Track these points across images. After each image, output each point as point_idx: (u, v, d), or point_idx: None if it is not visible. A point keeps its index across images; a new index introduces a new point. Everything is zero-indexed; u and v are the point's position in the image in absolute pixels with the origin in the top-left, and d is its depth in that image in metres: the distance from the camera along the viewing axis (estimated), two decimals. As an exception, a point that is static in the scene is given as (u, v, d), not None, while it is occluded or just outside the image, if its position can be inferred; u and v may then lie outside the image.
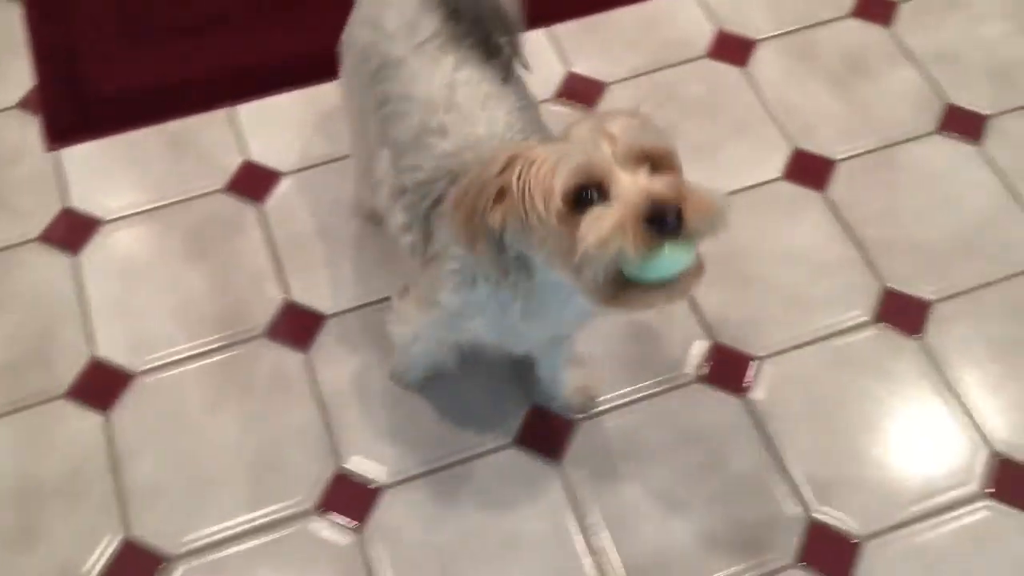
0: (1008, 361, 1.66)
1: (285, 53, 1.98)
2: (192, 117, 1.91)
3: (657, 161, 1.04)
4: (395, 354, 1.59)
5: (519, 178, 1.04)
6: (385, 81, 1.36)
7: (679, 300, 1.08)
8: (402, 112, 1.33)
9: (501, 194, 1.07)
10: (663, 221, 0.97)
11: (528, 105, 1.38)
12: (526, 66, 1.40)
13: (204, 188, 1.83)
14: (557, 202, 1.01)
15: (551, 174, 1.02)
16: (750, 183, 1.86)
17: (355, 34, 1.44)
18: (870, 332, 1.69)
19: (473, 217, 1.09)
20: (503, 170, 1.06)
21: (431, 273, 1.30)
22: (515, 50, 1.37)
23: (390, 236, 1.40)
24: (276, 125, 1.91)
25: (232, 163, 1.86)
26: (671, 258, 0.99)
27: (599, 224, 0.99)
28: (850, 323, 1.70)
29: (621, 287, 1.02)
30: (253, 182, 1.84)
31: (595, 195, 1.01)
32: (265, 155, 1.87)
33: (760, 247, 1.77)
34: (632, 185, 1.00)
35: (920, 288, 1.73)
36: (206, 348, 1.65)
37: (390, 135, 1.35)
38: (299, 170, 1.85)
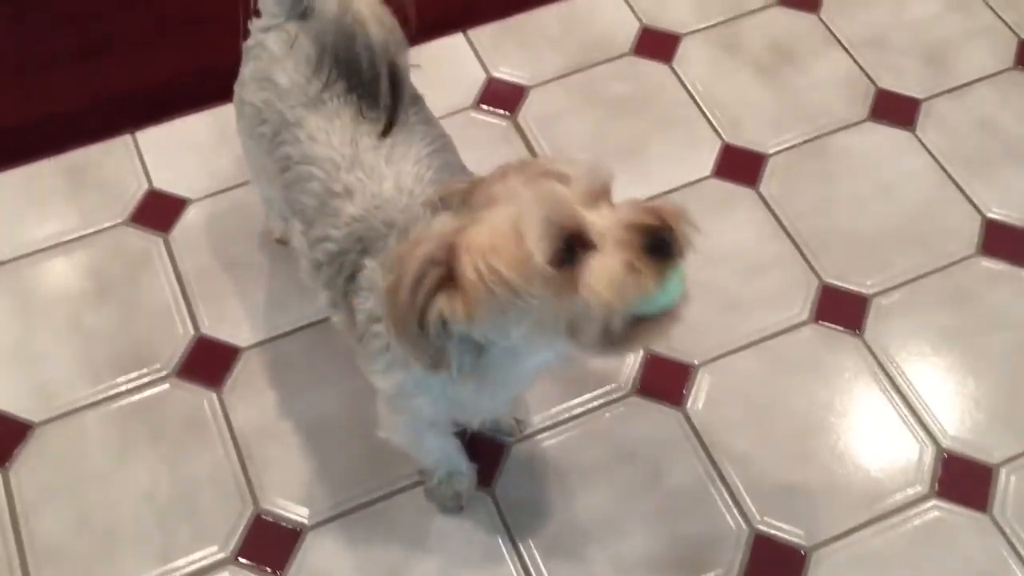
0: (950, 353, 1.61)
1: (185, 73, 1.89)
2: (91, 146, 1.81)
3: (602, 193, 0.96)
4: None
5: (472, 260, 0.93)
6: (284, 144, 1.26)
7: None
8: (305, 176, 1.22)
9: (444, 283, 0.96)
10: (663, 245, 0.92)
11: (440, 148, 1.26)
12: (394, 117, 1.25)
13: (106, 221, 1.73)
14: (542, 266, 0.91)
15: (516, 241, 0.91)
16: (680, 182, 1.79)
17: (247, 92, 1.33)
18: (809, 331, 1.63)
19: (410, 314, 0.97)
20: (440, 259, 0.95)
21: (362, 354, 1.19)
22: (395, 98, 1.24)
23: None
24: (180, 149, 1.81)
25: (135, 193, 1.76)
26: (674, 280, 0.94)
27: (607, 272, 0.91)
28: (788, 323, 1.63)
29: (633, 327, 0.95)
30: (158, 212, 1.74)
31: (573, 247, 0.92)
32: (170, 182, 1.78)
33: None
34: (613, 222, 0.93)
35: (858, 282, 1.67)
36: (112, 392, 1.56)
37: (297, 203, 1.24)
38: (206, 196, 1.76)
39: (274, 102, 1.29)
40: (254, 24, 1.35)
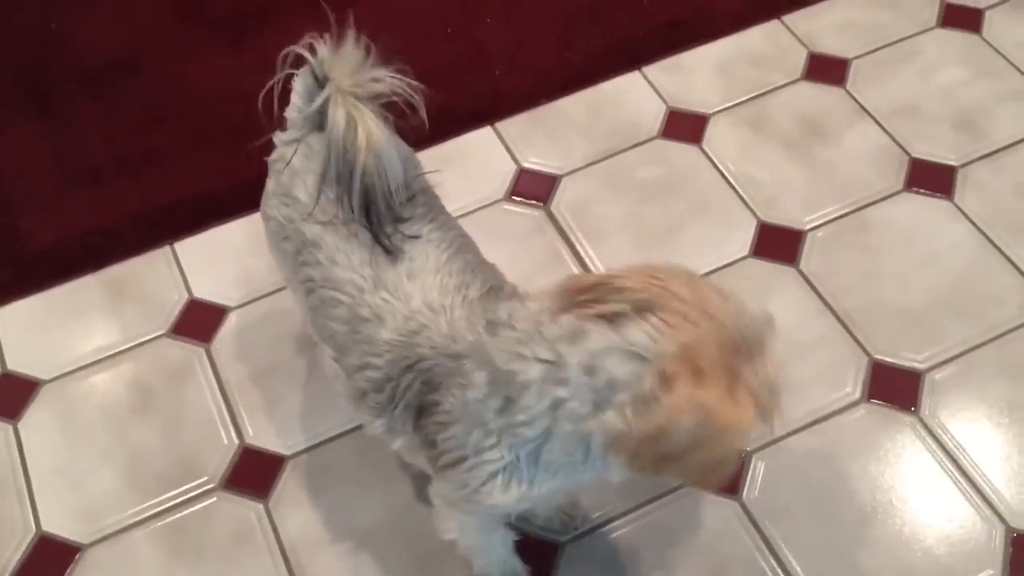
0: (1011, 426, 1.56)
1: (220, 184, 1.91)
2: (131, 260, 1.83)
3: None
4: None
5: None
6: (307, 266, 1.26)
7: None
8: (329, 301, 1.22)
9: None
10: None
11: (458, 249, 1.25)
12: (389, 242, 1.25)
13: (147, 334, 1.74)
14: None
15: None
16: (718, 264, 1.77)
17: (271, 207, 1.34)
18: (862, 410, 1.59)
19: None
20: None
21: (459, 479, 1.14)
22: (370, 220, 1.23)
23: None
24: (218, 258, 1.82)
25: (175, 304, 1.77)
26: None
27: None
28: (840, 403, 1.60)
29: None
30: (198, 322, 1.75)
31: None
32: (209, 291, 1.79)
33: (736, 332, 1.68)
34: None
35: (909, 357, 1.64)
36: (159, 508, 1.54)
37: (326, 329, 1.24)
38: (244, 303, 1.76)
39: (295, 219, 1.28)
40: (279, 137, 1.37)
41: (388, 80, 1.23)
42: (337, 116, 1.20)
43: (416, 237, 1.24)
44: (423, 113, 1.25)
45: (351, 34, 1.24)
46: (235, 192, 1.89)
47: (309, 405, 1.64)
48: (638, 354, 0.96)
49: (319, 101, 1.25)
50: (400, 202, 1.25)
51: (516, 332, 1.06)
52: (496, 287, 1.23)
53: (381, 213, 1.23)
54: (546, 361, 1.01)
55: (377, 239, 1.23)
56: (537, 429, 1.05)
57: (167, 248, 1.84)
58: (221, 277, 1.80)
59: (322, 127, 1.29)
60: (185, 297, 1.78)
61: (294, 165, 1.31)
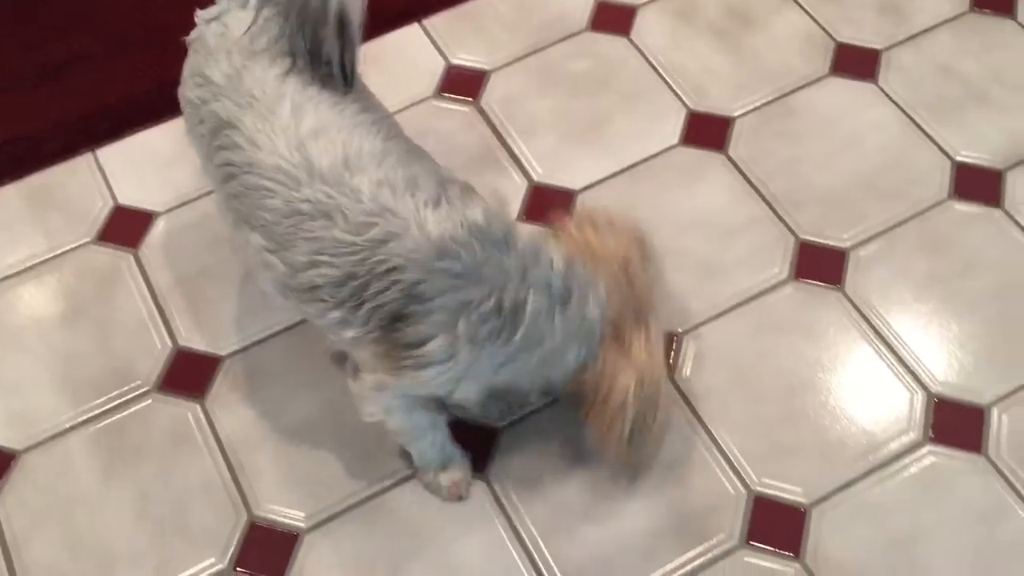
0: (932, 298, 1.60)
1: (142, 90, 1.86)
2: (52, 168, 1.78)
3: None
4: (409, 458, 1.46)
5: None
6: (225, 149, 1.21)
7: None
8: (255, 187, 1.18)
9: None
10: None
11: (391, 132, 1.24)
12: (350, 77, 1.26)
13: (73, 242, 1.70)
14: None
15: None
16: (648, 153, 1.78)
17: (187, 89, 1.30)
18: (790, 289, 1.62)
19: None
20: None
21: (413, 376, 1.19)
22: (348, 54, 1.23)
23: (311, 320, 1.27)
24: (144, 164, 1.79)
25: (101, 211, 1.74)
26: None
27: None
28: (768, 283, 1.63)
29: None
30: (125, 228, 1.71)
31: None
32: (135, 197, 1.75)
33: (666, 218, 1.69)
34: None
35: (835, 236, 1.67)
36: (93, 412, 1.53)
37: (253, 218, 1.20)
38: (172, 208, 1.74)
39: (208, 99, 1.25)
40: (200, 15, 1.33)
41: None
42: None
43: (345, 109, 1.22)
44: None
45: None
46: (158, 96, 1.81)
47: (242, 307, 1.63)
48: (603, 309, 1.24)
49: None
50: (346, 25, 1.21)
51: (513, 259, 1.16)
52: (446, 181, 1.21)
53: (338, 48, 1.21)
54: (553, 293, 1.18)
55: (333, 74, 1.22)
56: (525, 347, 1.18)
57: (89, 155, 1.80)
58: (147, 183, 1.77)
59: (245, 3, 1.27)
60: (110, 204, 1.75)
61: (208, 44, 1.27)
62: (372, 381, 1.26)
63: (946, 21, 1.92)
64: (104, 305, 1.64)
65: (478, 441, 1.49)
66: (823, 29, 1.92)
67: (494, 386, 1.28)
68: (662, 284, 1.35)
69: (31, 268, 1.68)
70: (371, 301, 1.15)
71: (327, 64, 1.23)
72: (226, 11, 1.30)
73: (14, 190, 1.77)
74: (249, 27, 1.24)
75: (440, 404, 1.35)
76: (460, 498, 1.45)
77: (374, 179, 1.16)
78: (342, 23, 1.20)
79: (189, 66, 1.31)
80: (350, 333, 1.20)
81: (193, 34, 1.33)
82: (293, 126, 1.19)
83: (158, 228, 1.72)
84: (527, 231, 1.22)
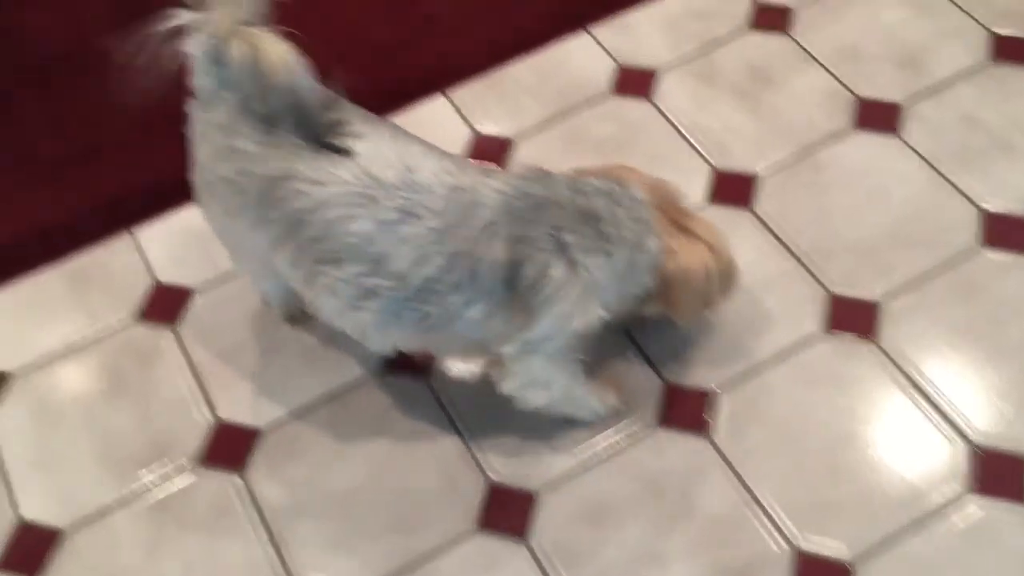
0: (967, 348, 1.60)
1: (176, 167, 1.90)
2: (93, 248, 1.83)
3: None
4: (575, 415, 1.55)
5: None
6: (285, 200, 1.27)
7: None
8: (338, 220, 1.25)
9: None
10: None
11: (412, 138, 1.38)
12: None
13: (114, 320, 1.74)
14: None
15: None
16: (675, 213, 1.80)
17: (213, 172, 1.35)
18: (823, 343, 1.62)
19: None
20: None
21: (557, 310, 1.31)
22: (337, 122, 1.30)
23: (425, 328, 1.35)
24: (180, 241, 1.83)
25: (140, 288, 1.78)
26: None
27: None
28: (801, 338, 1.63)
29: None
30: (164, 305, 1.75)
31: None
32: (174, 274, 1.79)
33: (696, 277, 1.71)
34: None
35: (866, 289, 1.67)
36: (137, 489, 1.55)
37: (339, 250, 1.27)
38: (210, 284, 1.77)
39: (250, 168, 1.29)
40: (192, 107, 1.38)
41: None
42: (236, 50, 1.23)
43: (361, 136, 1.30)
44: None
45: None
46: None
47: (280, 378, 1.65)
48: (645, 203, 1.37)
49: (209, 45, 1.27)
50: (329, 105, 1.29)
51: (563, 181, 1.35)
52: (490, 167, 1.42)
53: (318, 121, 1.27)
54: (608, 194, 1.34)
55: (326, 146, 1.28)
56: (618, 244, 1.32)
57: (127, 235, 1.85)
58: (185, 259, 1.81)
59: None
60: (150, 281, 1.79)
61: (221, 121, 1.31)
62: (515, 348, 1.35)
63: (965, 72, 1.94)
64: (145, 382, 1.66)
65: (518, 506, 1.49)
66: (843, 85, 1.95)
67: (612, 303, 1.36)
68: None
69: (74, 348, 1.72)
70: (482, 267, 1.28)
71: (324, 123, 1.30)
72: (215, 96, 1.33)
73: (56, 273, 1.81)
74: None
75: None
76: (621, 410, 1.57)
77: (434, 170, 1.29)
78: (320, 103, 1.27)
79: (207, 152, 1.35)
80: (478, 309, 1.30)
81: (197, 126, 1.37)
82: (349, 158, 1.27)
83: (196, 304, 1.75)
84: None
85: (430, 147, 1.36)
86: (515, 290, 1.30)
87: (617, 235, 1.32)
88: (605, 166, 1.45)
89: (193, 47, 1.31)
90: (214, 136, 1.33)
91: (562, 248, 1.30)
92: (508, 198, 1.30)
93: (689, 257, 1.39)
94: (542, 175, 1.36)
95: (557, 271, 1.29)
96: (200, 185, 1.40)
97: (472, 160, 1.41)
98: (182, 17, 1.28)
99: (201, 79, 1.34)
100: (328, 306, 1.34)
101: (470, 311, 1.31)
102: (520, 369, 1.39)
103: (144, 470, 1.57)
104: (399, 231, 1.26)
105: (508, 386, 1.43)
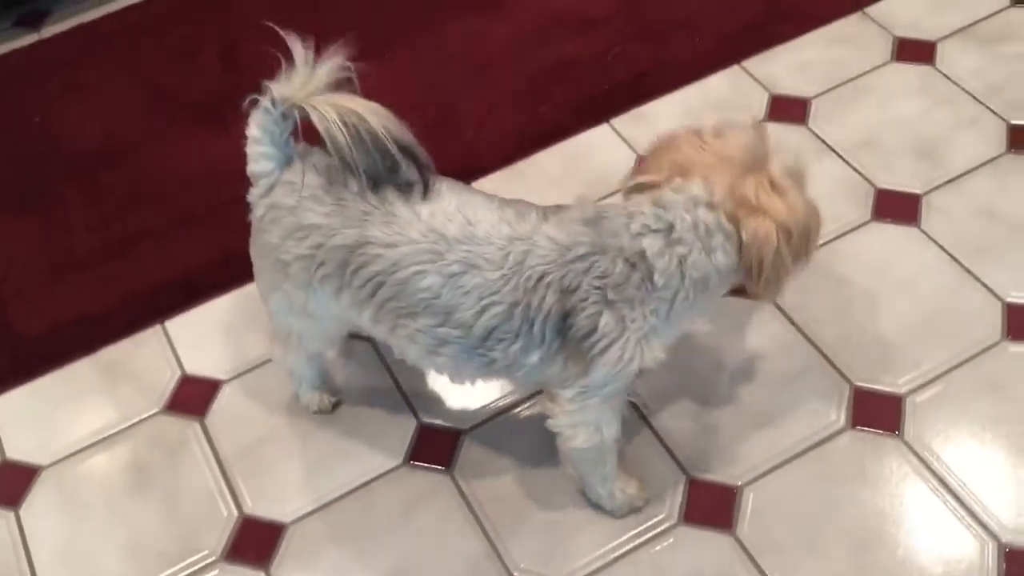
0: (994, 443, 1.59)
1: (207, 261, 1.95)
2: (123, 341, 1.86)
3: None
4: (596, 486, 1.55)
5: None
6: (366, 266, 1.34)
7: None
8: (407, 279, 1.33)
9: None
10: None
11: (473, 190, 1.42)
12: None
13: (142, 412, 1.76)
14: None
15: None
16: (697, 304, 1.81)
17: (287, 252, 1.39)
18: (847, 437, 1.62)
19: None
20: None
21: (613, 358, 1.33)
22: (419, 163, 1.35)
23: (496, 371, 1.40)
24: (208, 333, 1.86)
25: (168, 381, 1.80)
26: None
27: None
28: (825, 432, 1.63)
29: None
30: (192, 397, 1.78)
31: None
32: (201, 366, 1.82)
33: (719, 367, 1.72)
34: None
35: (890, 382, 1.67)
36: (162, 584, 1.56)
37: (413, 304, 1.35)
38: (237, 375, 1.80)
39: (323, 242, 1.36)
40: (251, 195, 1.42)
41: (336, 68, 1.32)
42: (325, 111, 1.29)
43: (433, 175, 1.37)
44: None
45: (296, 56, 1.32)
46: (221, 267, 1.93)
47: (305, 470, 1.66)
48: (709, 202, 1.29)
49: (290, 121, 1.35)
50: (412, 150, 1.34)
51: (616, 221, 1.32)
52: (543, 208, 1.38)
53: (410, 163, 1.33)
54: (659, 230, 1.30)
55: (422, 186, 1.35)
56: (672, 287, 1.31)
57: (158, 327, 1.88)
58: (213, 351, 1.84)
59: (288, 162, 1.38)
60: (178, 373, 1.81)
61: (288, 203, 1.37)
62: (573, 392, 1.38)
63: (984, 163, 1.96)
64: (172, 475, 1.68)
65: (542, 604, 1.49)
66: (862, 176, 1.97)
67: (676, 334, 1.40)
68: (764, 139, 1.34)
69: (103, 440, 1.74)
70: (538, 316, 1.32)
71: (400, 180, 1.35)
72: (276, 180, 1.39)
73: (87, 364, 1.84)
74: (314, 177, 1.37)
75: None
76: (639, 508, 1.57)
77: (493, 222, 1.34)
78: (402, 147, 1.33)
79: (278, 234, 1.39)
80: (535, 356, 1.35)
81: (259, 211, 1.41)
82: (414, 216, 1.33)
83: (224, 395, 1.77)
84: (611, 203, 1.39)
85: (490, 197, 1.39)
86: (569, 340, 1.33)
87: (667, 278, 1.30)
88: (672, 159, 1.35)
89: (256, 130, 1.37)
90: (283, 218, 1.38)
91: (608, 302, 1.31)
92: (560, 247, 1.32)
93: (757, 239, 1.30)
94: (596, 217, 1.34)
95: (607, 324, 1.31)
96: (268, 267, 1.45)
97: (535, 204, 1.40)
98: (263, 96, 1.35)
99: (263, 164, 1.39)
100: (410, 353, 1.43)
101: (529, 358, 1.36)
102: (575, 408, 1.41)
103: (170, 565, 1.57)
104: (462, 283, 1.32)
105: (558, 423, 1.44)
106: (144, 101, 2.28)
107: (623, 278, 1.30)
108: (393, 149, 1.31)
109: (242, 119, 1.38)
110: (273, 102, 1.34)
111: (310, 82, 1.31)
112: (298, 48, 1.31)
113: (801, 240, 1.34)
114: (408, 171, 1.35)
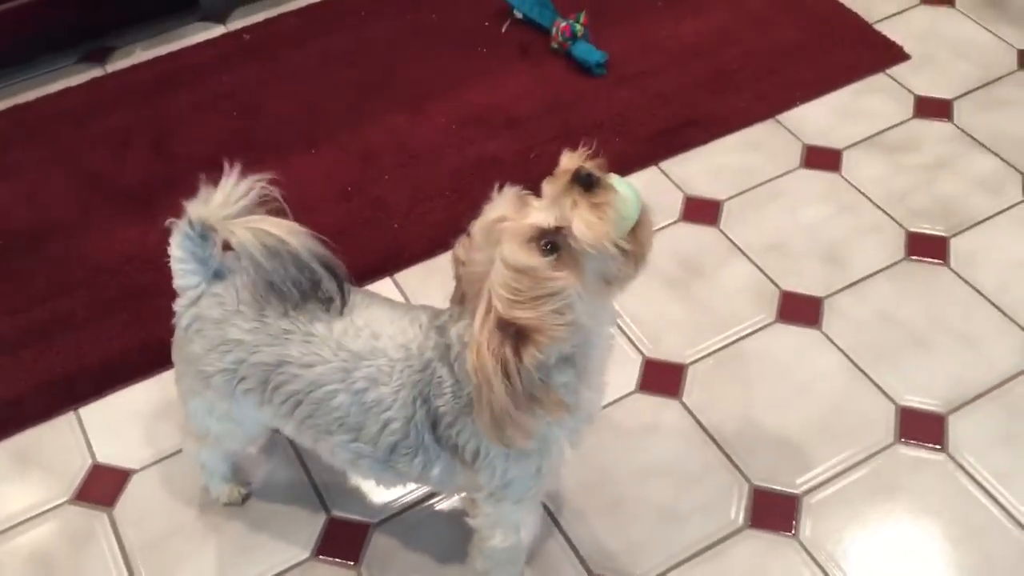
0: (887, 545, 1.64)
1: (123, 348, 1.96)
2: (37, 427, 1.86)
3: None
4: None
5: (507, 309, 1.14)
6: (286, 384, 1.37)
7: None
8: (325, 396, 1.35)
9: (522, 339, 1.16)
10: (588, 179, 1.15)
11: (384, 299, 1.44)
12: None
13: (51, 501, 1.75)
14: (545, 263, 1.14)
15: (516, 272, 1.14)
16: (607, 400, 1.86)
17: (209, 364, 1.41)
18: (745, 537, 1.66)
19: (516, 390, 1.17)
20: (502, 334, 1.15)
21: (487, 472, 1.34)
22: (338, 279, 1.37)
23: (412, 479, 1.44)
24: (122, 421, 1.86)
25: (79, 469, 1.80)
26: (624, 191, 1.18)
27: (583, 225, 1.14)
28: (725, 531, 1.67)
29: (634, 237, 1.18)
30: (102, 486, 1.77)
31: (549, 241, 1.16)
32: (113, 455, 1.82)
33: (624, 466, 1.76)
34: (547, 201, 1.17)
35: (787, 482, 1.73)
36: None
37: (329, 422, 1.37)
38: (148, 465, 1.80)
39: (244, 357, 1.38)
40: (177, 304, 1.44)
41: (255, 186, 1.35)
42: (241, 236, 1.31)
43: (352, 286, 1.39)
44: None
45: (217, 181, 1.35)
46: (139, 355, 1.94)
47: (213, 566, 1.66)
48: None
49: (213, 245, 1.37)
50: (332, 266, 1.36)
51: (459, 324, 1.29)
52: (435, 312, 1.39)
53: (330, 277, 1.35)
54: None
55: (337, 301, 1.36)
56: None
57: (71, 414, 1.88)
58: (125, 440, 1.84)
59: (216, 275, 1.41)
60: (89, 462, 1.81)
61: (213, 316, 1.39)
62: (484, 495, 1.39)
63: (883, 268, 2.05)
64: (75, 569, 1.66)
65: None
66: (768, 278, 2.05)
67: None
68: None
69: (9, 529, 1.72)
70: (424, 431, 1.33)
71: (322, 295, 1.37)
72: (203, 292, 1.42)
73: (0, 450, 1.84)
74: (238, 293, 1.39)
75: None
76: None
77: (392, 334, 1.35)
78: (325, 264, 1.35)
79: (202, 345, 1.41)
80: (436, 469, 1.37)
81: (183, 321, 1.43)
82: (329, 334, 1.36)
83: (133, 485, 1.77)
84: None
85: (396, 307, 1.42)
86: (447, 450, 1.35)
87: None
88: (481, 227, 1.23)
89: (178, 250, 1.40)
90: (208, 330, 1.40)
91: (456, 409, 1.31)
92: (421, 356, 1.32)
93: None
94: (443, 323, 1.33)
95: (463, 429, 1.32)
96: (191, 375, 1.46)
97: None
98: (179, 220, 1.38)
99: (188, 279, 1.42)
100: (335, 463, 1.46)
101: (432, 471, 1.38)
102: (490, 511, 1.42)
103: (66, 661, 1.56)
104: (365, 399, 1.34)
105: (476, 523, 1.46)
106: (74, 186, 2.30)
107: (457, 385, 1.30)
108: (315, 266, 1.34)
109: (170, 209, 1.41)
110: (191, 224, 1.37)
111: (228, 203, 1.34)
112: (224, 171, 1.34)
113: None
114: (328, 284, 1.37)
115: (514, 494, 1.39)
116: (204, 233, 1.37)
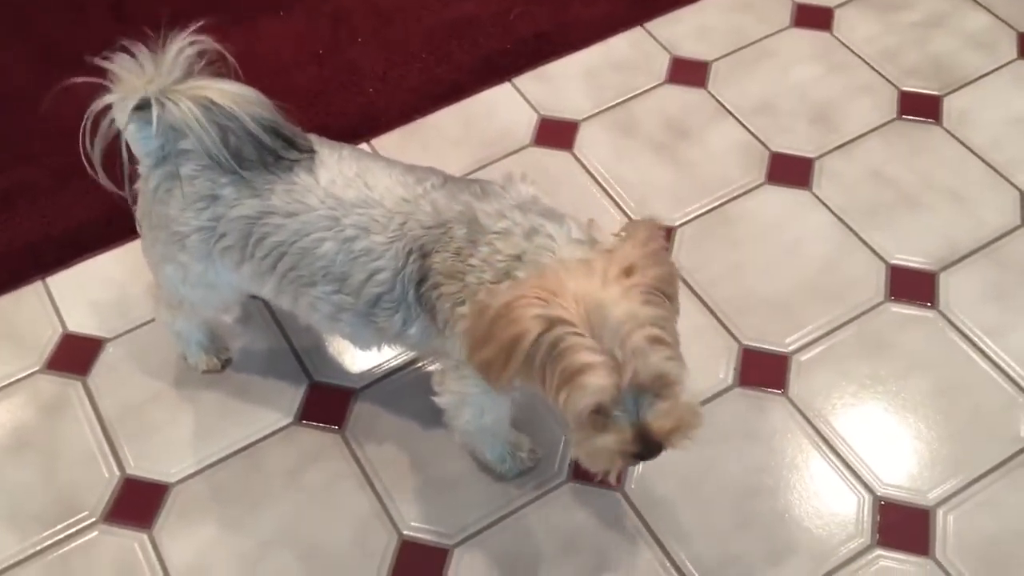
0: (874, 401, 1.64)
1: (90, 216, 1.88)
2: (3, 296, 1.79)
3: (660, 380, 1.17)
4: (485, 452, 1.54)
5: (548, 371, 1.12)
6: (269, 235, 1.32)
7: None
8: (310, 246, 1.31)
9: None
10: (644, 455, 1.17)
11: (376, 156, 1.40)
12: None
13: (20, 371, 1.70)
14: (580, 417, 1.14)
15: (575, 396, 1.11)
16: (593, 264, 1.82)
17: (185, 223, 1.35)
18: (734, 395, 1.65)
19: (500, 367, 1.14)
20: (534, 340, 1.11)
21: (451, 340, 1.29)
22: (284, 136, 1.32)
23: (389, 339, 1.39)
24: (92, 290, 1.80)
25: (49, 338, 1.74)
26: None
27: (598, 448, 1.16)
28: (714, 390, 1.65)
29: None
30: (73, 355, 1.72)
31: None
32: (84, 324, 1.76)
33: (612, 329, 1.72)
34: (629, 427, 1.15)
35: (776, 341, 1.71)
36: (39, 547, 1.51)
37: (314, 272, 1.33)
38: (122, 334, 1.74)
39: (222, 212, 1.32)
40: (142, 166, 1.37)
41: (187, 47, 1.28)
42: (182, 108, 1.24)
43: (314, 152, 1.34)
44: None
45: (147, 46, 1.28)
46: (106, 223, 1.86)
47: (192, 431, 1.63)
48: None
49: (155, 116, 1.28)
50: (274, 127, 1.30)
51: (500, 200, 1.28)
52: (451, 177, 1.35)
53: (276, 143, 1.30)
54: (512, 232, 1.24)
55: (286, 167, 1.31)
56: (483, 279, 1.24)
57: (39, 283, 1.81)
58: (96, 309, 1.78)
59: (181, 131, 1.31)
60: (59, 331, 1.75)
61: (184, 173, 1.32)
62: (451, 364, 1.35)
63: (875, 128, 2.00)
64: (51, 435, 1.63)
65: (431, 563, 1.49)
66: (757, 139, 2.00)
67: None
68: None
69: (-22, 400, 1.68)
70: (410, 286, 1.29)
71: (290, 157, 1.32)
72: (171, 151, 1.33)
73: (-37, 322, 1.77)
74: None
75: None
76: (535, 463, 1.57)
77: (389, 185, 1.31)
78: (277, 133, 1.30)
79: (176, 205, 1.34)
80: (414, 328, 1.33)
81: (151, 183, 1.36)
82: (314, 183, 1.31)
83: (107, 354, 1.72)
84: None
85: (392, 163, 1.37)
86: (427, 310, 1.30)
87: (481, 263, 1.24)
88: None
89: (123, 121, 1.31)
90: (181, 188, 1.33)
91: (451, 273, 1.26)
92: (437, 214, 1.27)
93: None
94: (484, 192, 1.30)
95: (446, 293, 1.27)
96: (163, 239, 1.39)
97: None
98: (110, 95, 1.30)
99: (147, 144, 1.33)
100: (314, 319, 1.41)
101: (409, 329, 1.33)
102: (455, 386, 1.38)
103: (47, 527, 1.53)
104: (354, 247, 1.30)
105: (442, 400, 1.42)
106: (29, 52, 2.18)
107: (462, 244, 1.26)
108: (265, 137, 1.28)
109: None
110: (124, 99, 1.28)
111: (161, 74, 1.26)
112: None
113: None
114: (286, 153, 1.31)
115: (453, 363, 1.35)
116: (141, 105, 1.28)
